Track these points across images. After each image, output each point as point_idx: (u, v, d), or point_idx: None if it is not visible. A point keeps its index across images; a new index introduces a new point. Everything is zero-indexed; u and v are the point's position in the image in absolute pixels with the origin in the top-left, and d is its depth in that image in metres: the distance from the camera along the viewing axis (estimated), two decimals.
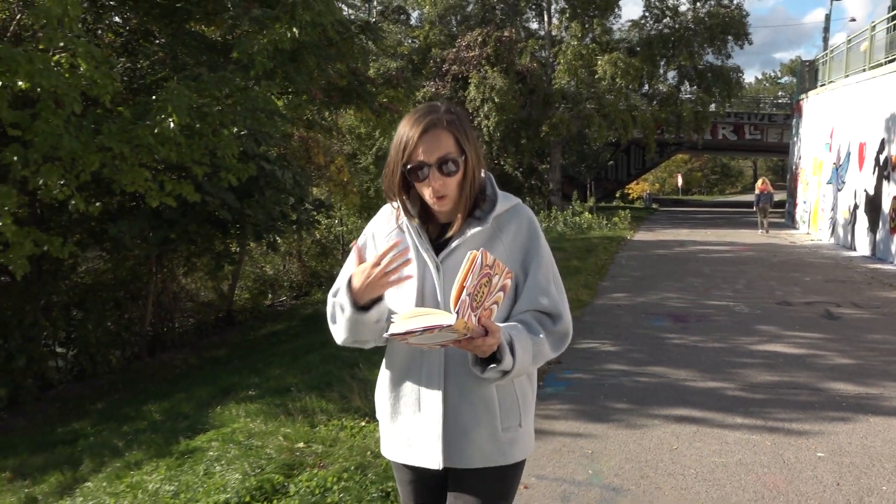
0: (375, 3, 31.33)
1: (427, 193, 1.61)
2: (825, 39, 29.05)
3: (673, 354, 6.02)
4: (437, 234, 1.70)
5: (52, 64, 6.72)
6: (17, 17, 8.93)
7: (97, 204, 7.92)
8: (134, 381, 10.36)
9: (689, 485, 3.40)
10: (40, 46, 6.69)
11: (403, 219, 1.69)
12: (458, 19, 29.03)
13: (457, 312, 1.33)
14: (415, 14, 31.82)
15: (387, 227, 1.74)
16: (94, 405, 9.09)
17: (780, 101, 45.73)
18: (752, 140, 36.79)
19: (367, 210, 21.09)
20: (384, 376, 1.75)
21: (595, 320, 7.42)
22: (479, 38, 23.74)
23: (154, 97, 8.35)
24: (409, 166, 1.59)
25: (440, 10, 27.69)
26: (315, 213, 12.07)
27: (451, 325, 1.32)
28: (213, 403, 6.24)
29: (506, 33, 24.12)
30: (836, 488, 3.34)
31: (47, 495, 4.59)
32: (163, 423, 6.07)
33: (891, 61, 13.63)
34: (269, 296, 18.50)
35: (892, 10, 15.13)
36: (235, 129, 8.83)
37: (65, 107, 7.30)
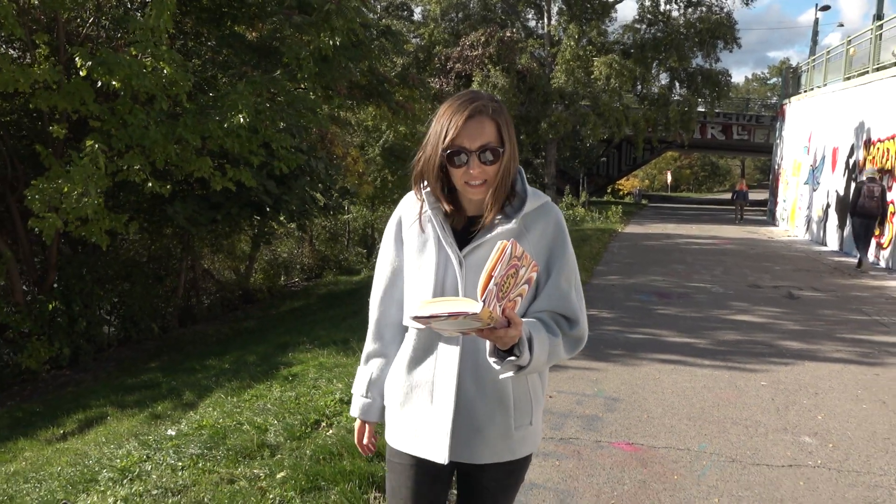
0: None
1: (463, 179, 1.59)
2: (814, 42, 30.46)
3: (658, 320, 7.37)
4: (462, 226, 1.68)
5: (141, 67, 7.91)
6: (90, 20, 10.12)
7: (168, 186, 9.10)
8: (176, 347, 11.58)
9: (666, 398, 4.73)
10: (133, 52, 7.88)
11: (428, 211, 1.68)
12: (461, 17, 30.22)
13: (483, 301, 1.32)
14: (417, 10, 33.04)
15: (412, 216, 1.72)
16: (148, 364, 10.29)
17: (770, 101, 47.10)
18: (739, 140, 38.04)
19: (374, 199, 22.33)
20: (398, 364, 1.75)
21: (593, 295, 8.75)
22: (482, 38, 24.98)
23: (213, 94, 9.58)
24: (448, 151, 1.57)
25: (443, 6, 28.84)
26: (341, 200, 13.31)
27: (476, 314, 1.30)
28: (276, 354, 7.51)
29: (507, 34, 25.35)
30: (771, 401, 4.68)
31: (168, 412, 5.85)
32: (236, 370, 7.31)
33: (861, 74, 15.01)
34: (283, 277, 19.77)
35: (876, 21, 16.28)
36: (282, 124, 10.04)
37: (140, 102, 8.55)
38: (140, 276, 12.64)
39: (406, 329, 1.75)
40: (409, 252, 1.71)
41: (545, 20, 29.04)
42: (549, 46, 27.92)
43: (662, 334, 6.68)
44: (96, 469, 3.95)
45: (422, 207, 1.68)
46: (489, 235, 1.61)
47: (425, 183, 1.67)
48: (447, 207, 1.65)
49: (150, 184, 8.73)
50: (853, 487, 3.38)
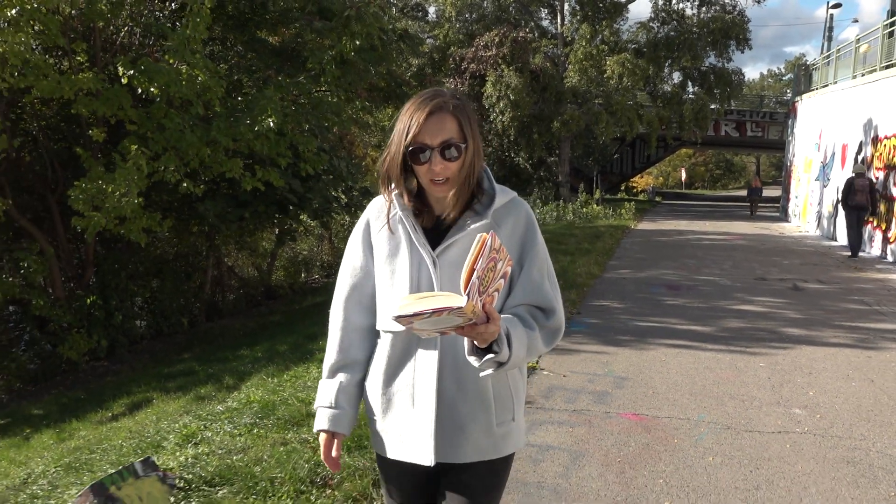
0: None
1: (427, 177, 1.60)
2: (828, 40, 30.67)
3: (666, 310, 7.78)
4: (431, 225, 1.68)
5: (178, 75, 8.42)
6: (124, 29, 10.65)
7: (201, 186, 9.64)
8: (206, 340, 12.09)
9: (671, 377, 5.15)
10: (171, 61, 8.38)
11: (398, 212, 1.67)
12: (474, 17, 30.65)
13: (467, 295, 1.31)
14: (431, 10, 33.52)
15: (381, 220, 1.71)
16: (181, 356, 10.80)
17: (784, 98, 47.15)
18: (753, 137, 38.17)
19: None
20: (376, 372, 1.73)
21: (605, 288, 9.17)
22: (496, 39, 25.38)
23: (241, 98, 10.06)
24: (411, 148, 1.57)
25: (458, 7, 29.25)
26: (363, 199, 13.81)
27: (461, 308, 1.29)
28: (306, 343, 7.99)
29: (521, 34, 25.74)
30: (767, 380, 5.09)
31: (212, 394, 6.34)
32: (269, 357, 7.79)
33: (870, 72, 15.29)
34: (303, 274, 20.33)
35: (890, 18, 16.45)
36: (306, 126, 10.53)
37: (175, 107, 9.06)
38: (169, 273, 13.19)
39: (375, 334, 1.75)
40: (380, 256, 1.70)
41: (558, 20, 29.38)
42: (562, 46, 28.27)
43: (670, 322, 7.10)
44: (158, 438, 4.44)
45: (389, 209, 1.69)
46: (461, 234, 1.63)
47: (393, 185, 1.67)
48: (409, 203, 1.66)
49: (184, 184, 9.27)
50: (834, 449, 3.79)
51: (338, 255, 22.17)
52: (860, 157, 15.21)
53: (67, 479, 4.22)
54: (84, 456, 4.85)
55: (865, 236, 14.17)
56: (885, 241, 13.02)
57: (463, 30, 29.58)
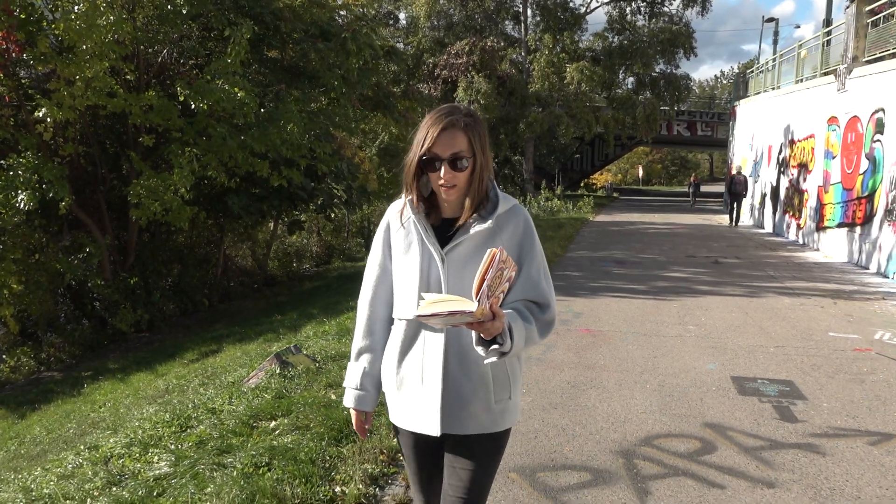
0: (367, 9, 34.87)
1: (438, 183, 1.81)
2: (775, 42, 33.57)
3: (613, 277, 10.13)
4: (439, 223, 1.90)
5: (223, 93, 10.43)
6: (163, 52, 12.59)
7: (234, 182, 11.67)
8: (227, 315, 14.04)
9: (612, 312, 7.46)
10: (218, 82, 10.40)
11: (410, 215, 1.90)
12: (443, 24, 32.84)
13: (478, 301, 1.54)
14: (402, 16, 35.62)
15: (398, 221, 1.95)
16: (213, 326, 12.75)
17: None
18: (703, 136, 41.18)
19: (370, 195, 24.96)
20: (391, 354, 1.96)
21: (567, 263, 11.49)
22: (466, 48, 27.66)
23: (265, 111, 12.08)
24: (425, 158, 1.79)
25: (427, 11, 31.31)
26: (360, 197, 15.95)
27: (472, 312, 1.53)
28: (334, 306, 10.08)
29: (489, 43, 28.08)
30: (676, 313, 7.44)
31: (277, 339, 8.41)
32: (307, 318, 9.85)
33: (787, 84, 17.95)
34: (295, 264, 22.34)
35: (825, 28, 18.80)
36: (312, 132, 12.60)
37: (215, 118, 11.06)
38: (191, 260, 15.14)
39: (392, 323, 2.00)
40: (397, 253, 1.94)
41: (522, 29, 31.80)
42: (526, 54, 30.70)
43: (615, 284, 9.45)
44: (267, 353, 6.53)
45: (403, 212, 1.93)
46: (467, 235, 1.83)
47: (408, 190, 1.89)
48: (418, 205, 1.88)
49: (219, 179, 11.31)
50: (707, 342, 6.13)
51: (326, 247, 24.26)
52: (781, 157, 17.87)
53: (211, 381, 6.32)
54: (208, 372, 6.93)
55: (784, 224, 16.85)
56: (798, 227, 15.64)
57: (433, 37, 31.75)
